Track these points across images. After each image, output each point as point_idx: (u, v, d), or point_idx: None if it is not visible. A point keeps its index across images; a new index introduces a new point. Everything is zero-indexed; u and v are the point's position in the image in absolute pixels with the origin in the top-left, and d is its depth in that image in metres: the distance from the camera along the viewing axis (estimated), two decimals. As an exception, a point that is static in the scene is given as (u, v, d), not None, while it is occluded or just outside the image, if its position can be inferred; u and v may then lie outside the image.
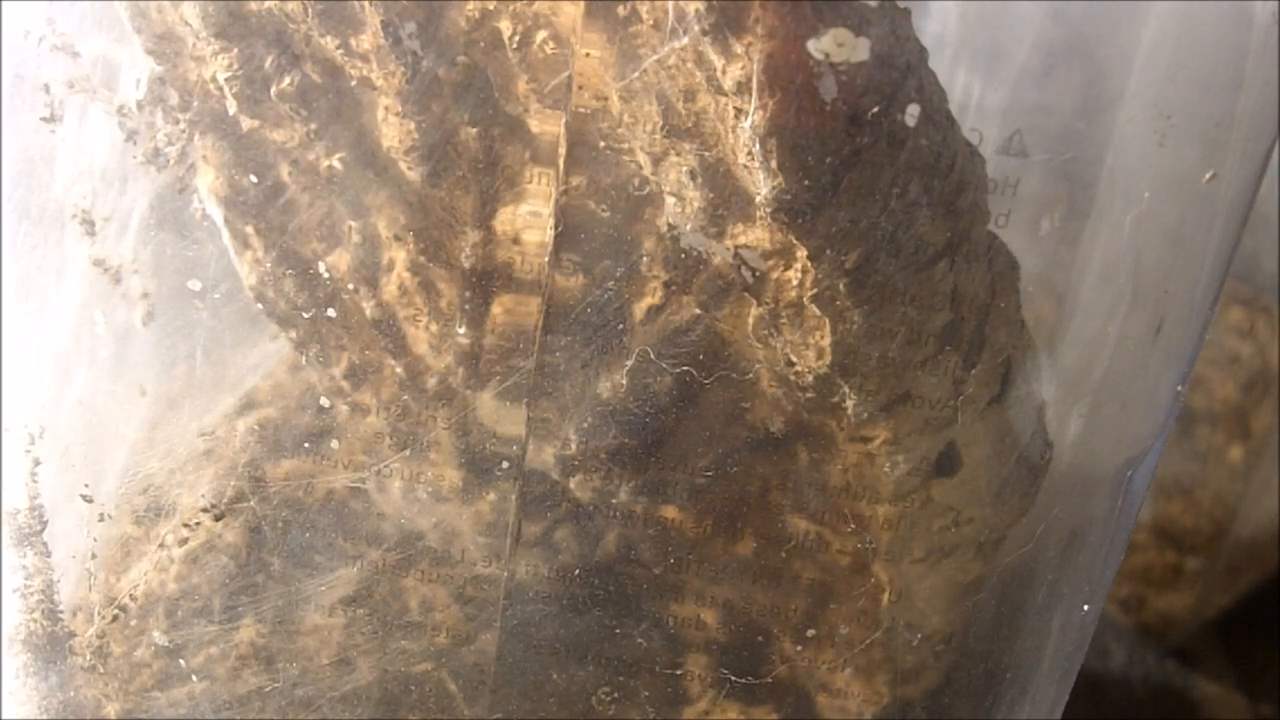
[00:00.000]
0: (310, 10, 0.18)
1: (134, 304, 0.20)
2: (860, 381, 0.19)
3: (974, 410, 0.20)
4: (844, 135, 0.17)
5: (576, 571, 0.21)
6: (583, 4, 0.17)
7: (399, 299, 0.20)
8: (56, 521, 0.22)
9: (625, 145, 0.18)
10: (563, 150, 0.18)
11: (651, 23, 0.17)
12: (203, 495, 0.21)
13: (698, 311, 0.19)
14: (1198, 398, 0.43)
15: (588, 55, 0.18)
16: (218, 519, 0.21)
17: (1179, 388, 0.22)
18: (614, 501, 0.21)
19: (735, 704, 0.22)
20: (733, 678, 0.22)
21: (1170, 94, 0.19)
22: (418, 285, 0.19)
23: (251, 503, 0.21)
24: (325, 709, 0.22)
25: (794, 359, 0.19)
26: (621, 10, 0.17)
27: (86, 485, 0.21)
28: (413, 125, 0.18)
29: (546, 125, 0.18)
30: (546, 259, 0.19)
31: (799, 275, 0.18)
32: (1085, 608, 0.23)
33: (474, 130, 0.18)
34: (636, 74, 0.18)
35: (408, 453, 0.20)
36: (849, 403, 0.19)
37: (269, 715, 0.22)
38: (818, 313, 0.19)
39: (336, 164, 0.19)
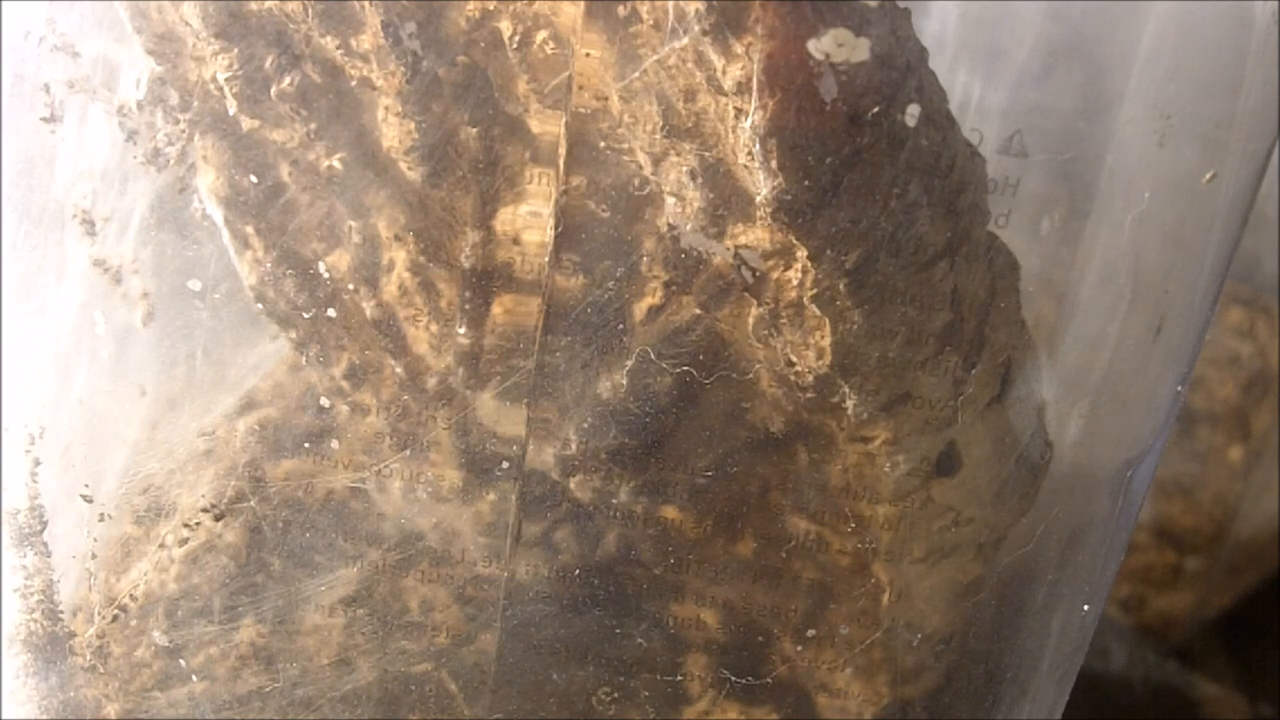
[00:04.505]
0: (310, 10, 0.18)
1: (134, 304, 0.20)
2: (860, 381, 0.19)
3: (974, 410, 0.20)
4: (844, 135, 0.17)
5: (576, 571, 0.21)
6: (583, 4, 0.17)
7: (399, 299, 0.20)
8: (56, 521, 0.22)
9: (625, 145, 0.18)
10: (563, 150, 0.18)
11: (651, 23, 0.17)
12: (203, 495, 0.21)
13: (698, 311, 0.19)
14: (1198, 398, 0.43)
15: (588, 55, 0.18)
16: (218, 519, 0.21)
17: (1179, 388, 0.22)
18: (614, 502, 0.21)
19: (735, 704, 0.22)
20: (733, 678, 0.22)
21: (1170, 94, 0.19)
22: (418, 285, 0.19)
23: (251, 503, 0.21)
24: (325, 709, 0.22)
25: (794, 359, 0.19)
26: (621, 10, 0.17)
27: (86, 485, 0.21)
28: (413, 125, 0.18)
29: (546, 125, 0.18)
30: (546, 259, 0.19)
31: (799, 275, 0.18)
32: (1085, 608, 0.23)
33: (474, 130, 0.18)
34: (636, 74, 0.18)
35: (408, 453, 0.20)
36: (849, 403, 0.19)
37: (269, 715, 0.22)
38: (818, 313, 0.19)
39: (336, 164, 0.19)
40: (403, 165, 0.19)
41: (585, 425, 0.20)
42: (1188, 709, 0.45)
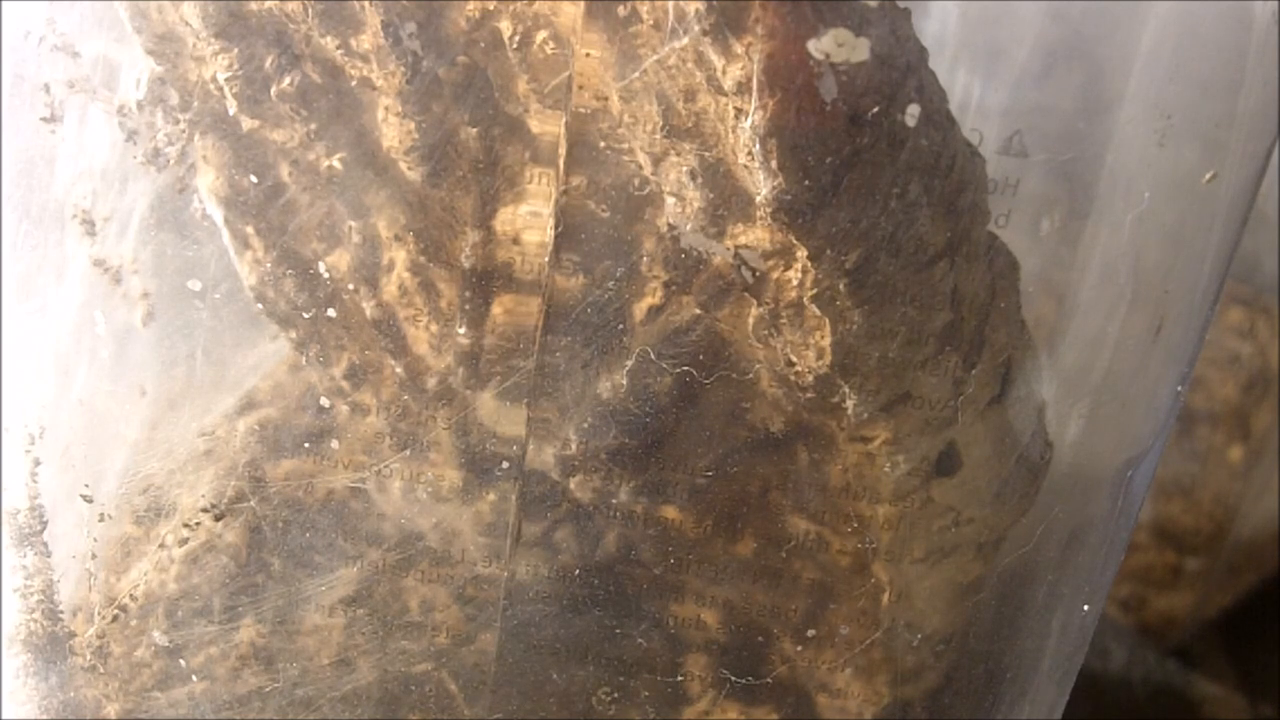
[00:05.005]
0: (310, 10, 0.18)
1: (134, 304, 0.20)
2: (860, 381, 0.19)
3: (974, 410, 0.20)
4: (844, 135, 0.17)
5: (576, 571, 0.21)
6: (583, 4, 0.17)
7: (399, 299, 0.20)
8: (56, 521, 0.22)
9: (625, 145, 0.18)
10: (563, 150, 0.18)
11: (651, 23, 0.17)
12: (203, 495, 0.21)
13: (698, 311, 0.19)
14: (1198, 398, 0.43)
15: (588, 55, 0.18)
16: (218, 519, 0.21)
17: (1179, 388, 0.22)
18: (614, 502, 0.21)
19: (735, 704, 0.22)
20: (733, 678, 0.22)
21: (1170, 94, 0.19)
22: (418, 285, 0.19)
23: (251, 503, 0.21)
24: (325, 709, 0.22)
25: (794, 359, 0.19)
26: (621, 10, 0.17)
27: (86, 485, 0.21)
28: (413, 125, 0.18)
29: (546, 125, 0.18)
30: (546, 259, 0.19)
31: (799, 275, 0.18)
32: (1085, 608, 0.23)
33: (474, 130, 0.18)
34: (636, 74, 0.18)
35: (408, 453, 0.20)
36: (849, 403, 0.19)
37: (269, 715, 0.22)
38: (818, 313, 0.19)
39: (336, 164, 0.19)
40: (403, 165, 0.19)
41: (585, 425, 0.20)
42: (1188, 709, 0.45)
